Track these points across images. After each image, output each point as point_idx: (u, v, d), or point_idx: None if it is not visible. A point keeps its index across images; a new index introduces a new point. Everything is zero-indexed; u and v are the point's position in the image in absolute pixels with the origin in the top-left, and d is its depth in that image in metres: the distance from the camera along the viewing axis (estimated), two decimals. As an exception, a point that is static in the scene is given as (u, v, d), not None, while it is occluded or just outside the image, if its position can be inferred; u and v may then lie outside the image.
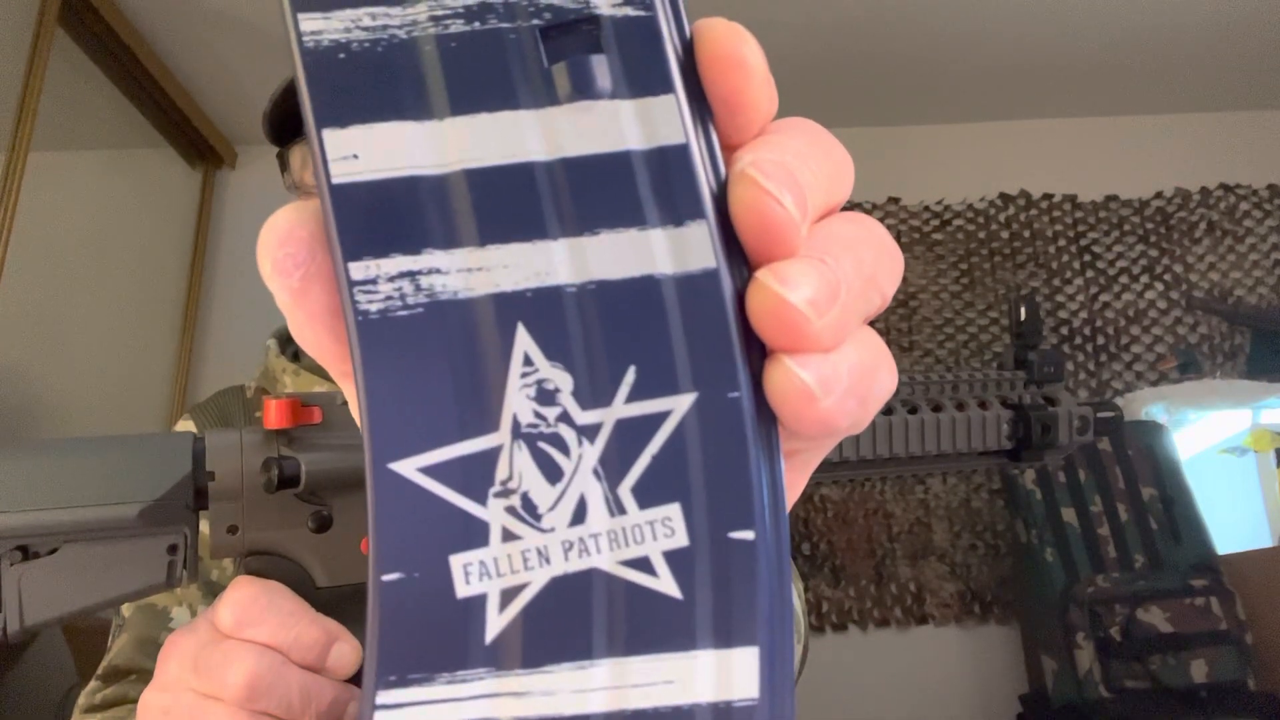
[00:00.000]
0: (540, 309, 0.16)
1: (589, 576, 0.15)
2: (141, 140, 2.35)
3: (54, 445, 0.37)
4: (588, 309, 0.16)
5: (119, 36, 2.06)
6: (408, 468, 0.15)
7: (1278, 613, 1.85)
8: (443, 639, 0.15)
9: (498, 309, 0.16)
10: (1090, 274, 2.57)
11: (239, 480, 0.37)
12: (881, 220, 2.59)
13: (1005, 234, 2.60)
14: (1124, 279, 2.57)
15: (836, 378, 0.16)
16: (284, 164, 0.74)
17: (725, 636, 0.15)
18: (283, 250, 0.16)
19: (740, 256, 0.16)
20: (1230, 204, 2.61)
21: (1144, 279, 2.56)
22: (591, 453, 0.16)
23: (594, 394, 0.16)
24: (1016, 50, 2.38)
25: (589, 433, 0.16)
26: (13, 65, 1.82)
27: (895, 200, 2.62)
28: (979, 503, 2.40)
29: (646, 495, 0.16)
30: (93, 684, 0.65)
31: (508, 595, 0.15)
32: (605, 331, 0.16)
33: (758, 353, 0.16)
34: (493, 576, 0.15)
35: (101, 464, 0.36)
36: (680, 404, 0.16)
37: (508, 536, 0.15)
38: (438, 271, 0.15)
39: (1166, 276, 2.56)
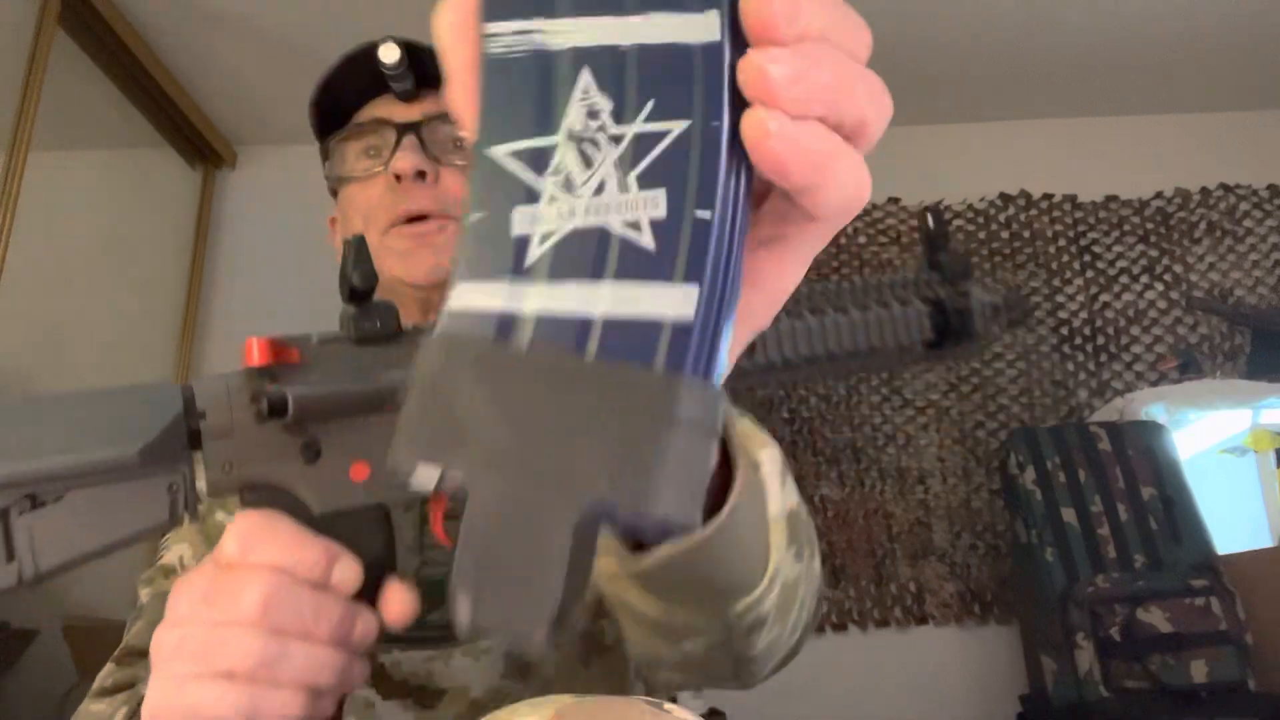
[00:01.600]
0: (600, 58, 0.24)
1: (599, 230, 0.24)
2: (141, 140, 2.35)
3: (49, 398, 0.38)
4: (630, 60, 0.24)
5: (119, 36, 2.06)
6: (498, 152, 0.24)
7: (1278, 613, 1.85)
8: (499, 263, 0.24)
9: (574, 57, 0.24)
10: (1090, 274, 2.57)
11: (229, 417, 0.39)
12: (881, 220, 2.60)
13: (1005, 234, 2.60)
14: (1124, 279, 2.57)
15: (788, 134, 0.23)
16: (326, 155, 0.77)
17: (680, 276, 0.23)
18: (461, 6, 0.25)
19: (744, 40, 0.24)
20: (1230, 204, 2.61)
21: (1144, 279, 2.56)
22: (614, 152, 0.24)
23: (623, 114, 0.24)
24: (1016, 50, 2.38)
25: (616, 139, 0.24)
26: (13, 65, 1.82)
27: (895, 200, 2.63)
28: (979, 503, 2.40)
29: (645, 182, 0.24)
30: (107, 667, 0.65)
31: (544, 237, 0.24)
32: (639, 75, 0.24)
33: (742, 103, 0.24)
34: (537, 224, 0.24)
35: (97, 412, 0.37)
36: (679, 126, 0.24)
37: (551, 200, 0.24)
38: (540, 32, 0.24)
39: (1166, 276, 2.56)
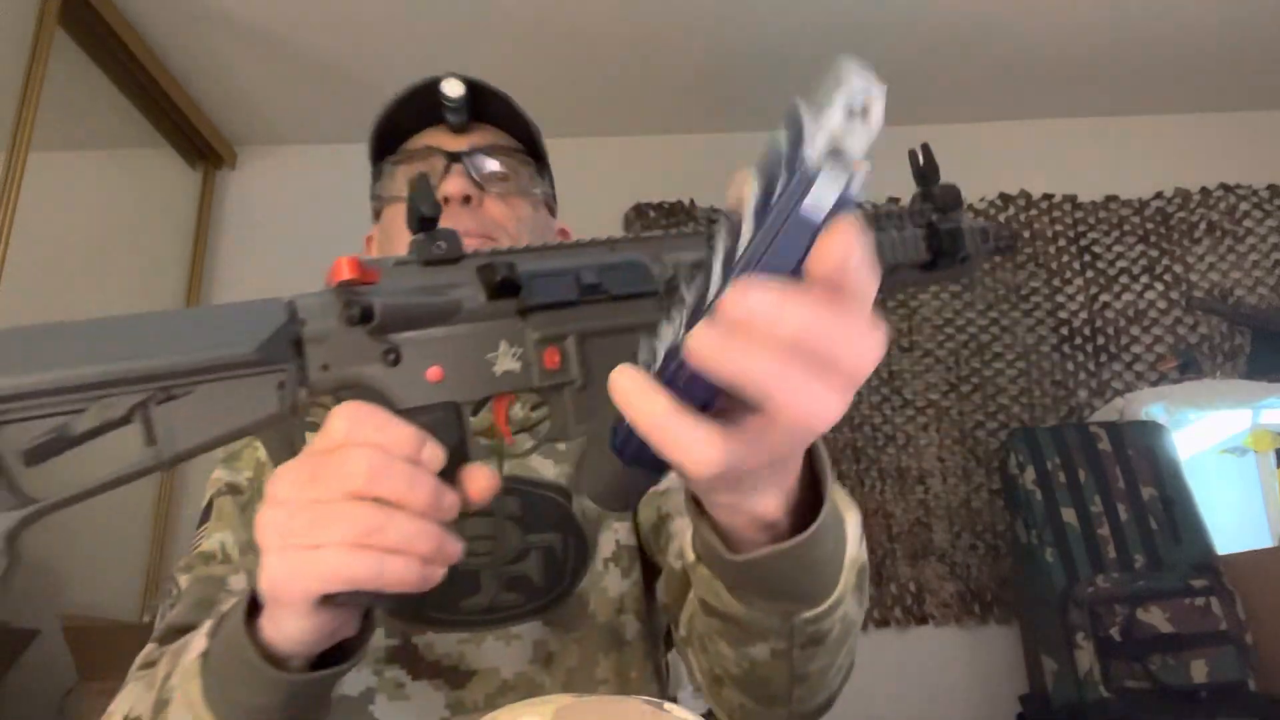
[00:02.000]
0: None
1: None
2: (141, 140, 2.35)
3: (176, 311, 0.46)
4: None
5: (119, 36, 2.06)
6: None
7: (1278, 613, 1.85)
8: None
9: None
10: (1090, 274, 2.57)
11: (324, 324, 0.45)
12: (881, 220, 2.61)
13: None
14: (1124, 279, 2.57)
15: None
16: (378, 175, 0.83)
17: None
18: None
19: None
20: (1230, 204, 2.61)
21: (1144, 279, 2.56)
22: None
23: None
24: (1017, 50, 2.38)
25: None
26: (13, 65, 1.82)
27: (895, 200, 2.62)
28: (979, 503, 2.40)
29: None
30: (149, 647, 0.65)
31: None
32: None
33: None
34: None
35: (218, 320, 0.44)
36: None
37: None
38: None
39: (1166, 276, 2.56)
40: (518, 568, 0.72)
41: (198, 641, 0.51)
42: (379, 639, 0.69)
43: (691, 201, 2.60)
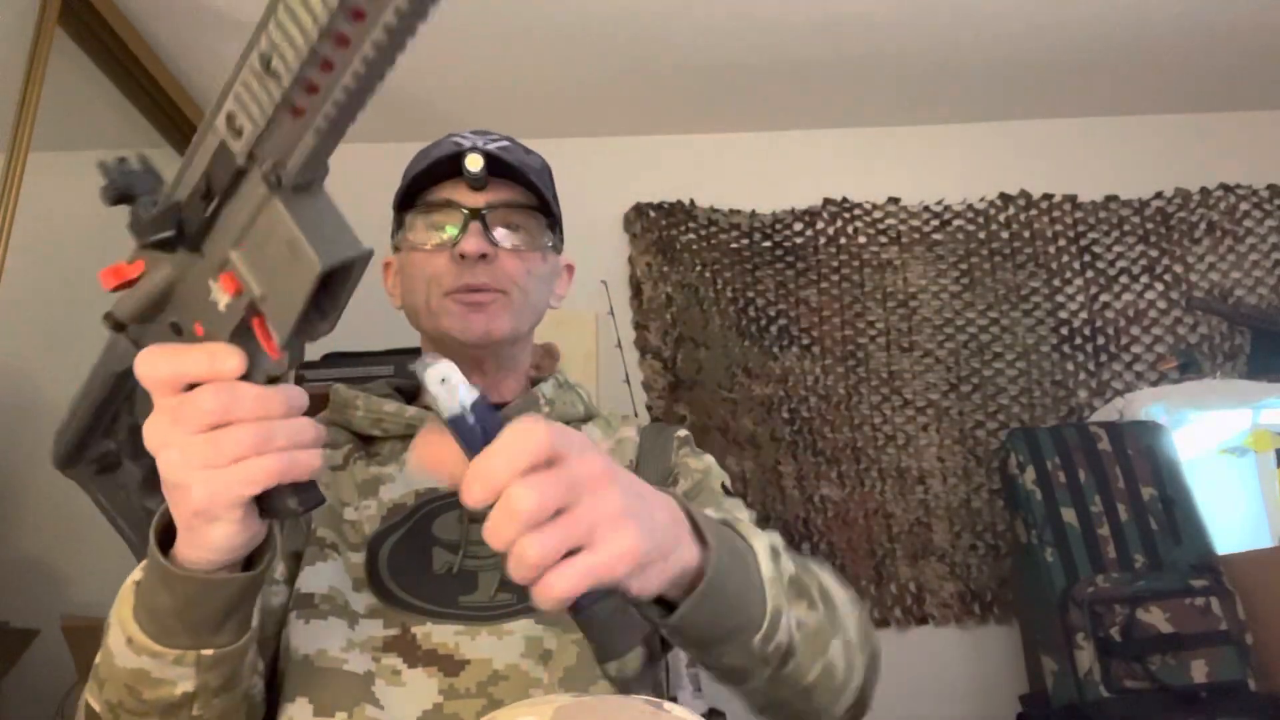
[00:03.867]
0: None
1: None
2: (141, 140, 2.35)
3: None
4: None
5: (119, 36, 2.06)
6: None
7: (1278, 613, 1.85)
8: None
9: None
10: (1090, 274, 2.57)
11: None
12: (881, 220, 2.60)
13: (1005, 234, 2.60)
14: (1124, 279, 2.57)
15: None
16: (399, 224, 0.90)
17: None
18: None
19: None
20: (1230, 204, 2.61)
21: (1144, 279, 2.56)
22: None
23: None
24: (1016, 50, 2.38)
25: None
26: (13, 65, 1.82)
27: (895, 200, 2.62)
28: (979, 503, 2.40)
29: None
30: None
31: None
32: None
33: None
34: None
35: None
36: None
37: None
38: None
39: (1166, 276, 2.56)
40: None
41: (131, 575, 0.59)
42: (379, 629, 0.73)
43: (691, 201, 2.60)
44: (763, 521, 2.46)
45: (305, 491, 0.51)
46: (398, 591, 0.75)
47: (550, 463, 0.46)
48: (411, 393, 0.93)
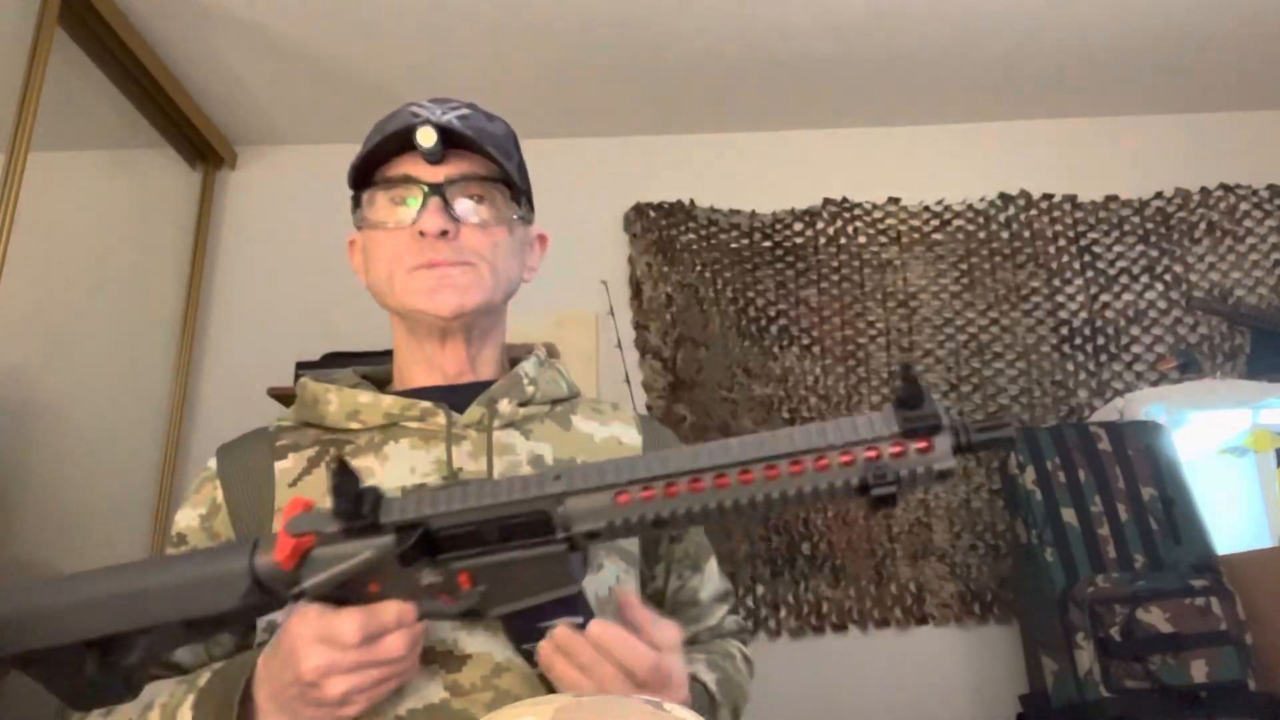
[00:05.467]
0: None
1: None
2: (141, 140, 2.35)
3: (157, 569, 0.64)
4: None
5: (119, 36, 2.06)
6: None
7: (1278, 613, 1.85)
8: None
9: None
10: (1090, 274, 2.57)
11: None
12: (881, 220, 2.60)
13: (1005, 234, 2.60)
14: (1124, 279, 2.57)
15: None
16: (357, 203, 0.86)
17: None
18: None
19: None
20: (1230, 204, 2.61)
21: (1144, 279, 2.56)
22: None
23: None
24: (1016, 50, 2.38)
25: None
26: (13, 65, 1.82)
27: (895, 200, 2.63)
28: (979, 503, 2.40)
29: None
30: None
31: None
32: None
33: None
34: None
35: (192, 578, 0.62)
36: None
37: None
38: None
39: (1166, 276, 2.56)
40: None
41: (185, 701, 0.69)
42: None
43: (691, 201, 2.60)
44: (763, 522, 2.44)
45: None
46: None
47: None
48: (381, 381, 0.90)
